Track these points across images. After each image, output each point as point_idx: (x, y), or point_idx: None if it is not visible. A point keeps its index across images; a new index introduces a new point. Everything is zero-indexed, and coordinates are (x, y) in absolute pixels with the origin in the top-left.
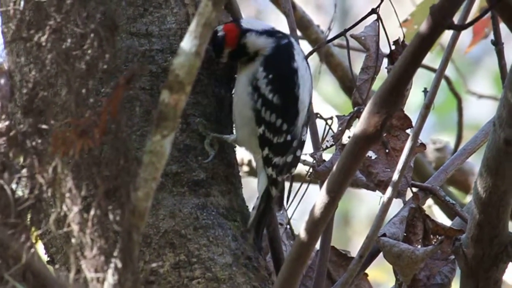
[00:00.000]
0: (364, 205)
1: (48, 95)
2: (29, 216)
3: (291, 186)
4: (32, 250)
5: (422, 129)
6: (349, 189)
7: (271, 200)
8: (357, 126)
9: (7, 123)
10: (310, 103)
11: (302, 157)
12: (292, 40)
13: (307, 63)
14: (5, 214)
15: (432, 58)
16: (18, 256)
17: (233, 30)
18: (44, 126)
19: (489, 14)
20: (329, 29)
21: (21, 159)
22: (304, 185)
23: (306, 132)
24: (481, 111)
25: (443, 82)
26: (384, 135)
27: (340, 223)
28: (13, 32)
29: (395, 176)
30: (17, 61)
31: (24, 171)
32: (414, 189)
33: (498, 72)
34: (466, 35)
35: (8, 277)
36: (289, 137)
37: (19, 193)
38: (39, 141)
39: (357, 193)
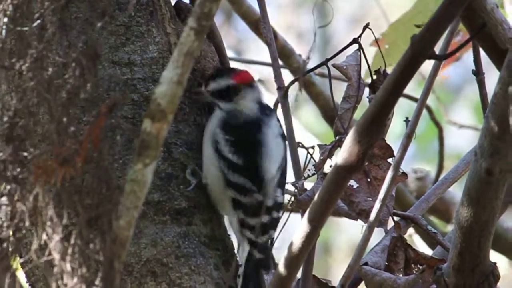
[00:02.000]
0: (344, 233)
1: (29, 124)
2: (9, 244)
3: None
4: (13, 278)
5: (404, 159)
6: (330, 218)
7: (256, 264)
8: (339, 155)
9: None
10: (285, 169)
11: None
12: (273, 119)
13: (283, 139)
14: None
15: (413, 88)
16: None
17: (248, 74)
18: (25, 154)
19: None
20: (308, 58)
21: (1, 187)
22: (286, 214)
23: (283, 194)
24: (462, 140)
25: (424, 111)
26: (366, 164)
27: (321, 252)
28: None
29: (377, 205)
30: (1, 90)
31: (3, 199)
32: (396, 218)
33: (478, 101)
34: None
35: None
36: (259, 198)
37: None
38: (19, 169)
39: (338, 221)
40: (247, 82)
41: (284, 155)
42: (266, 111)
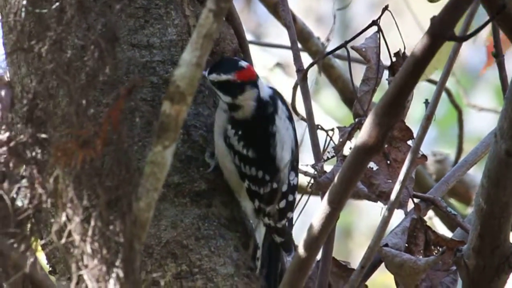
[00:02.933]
0: (365, 217)
1: (48, 106)
2: (28, 226)
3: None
4: (33, 259)
5: (423, 142)
6: (350, 202)
7: (276, 247)
8: (359, 137)
9: (7, 134)
10: (297, 152)
11: (303, 168)
12: (279, 103)
13: (290, 121)
14: (5, 224)
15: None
16: (18, 265)
17: (252, 71)
18: (44, 136)
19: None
20: (328, 40)
21: (22, 169)
22: (305, 197)
23: (297, 176)
24: (481, 123)
25: (444, 95)
26: (385, 146)
27: (341, 236)
28: (13, 43)
29: (397, 187)
30: (18, 72)
31: (24, 181)
32: (416, 200)
33: (499, 84)
34: (467, 48)
35: (7, 286)
36: (275, 185)
37: (19, 203)
38: (39, 151)
39: (359, 206)
40: (249, 80)
41: (294, 137)
42: (270, 101)
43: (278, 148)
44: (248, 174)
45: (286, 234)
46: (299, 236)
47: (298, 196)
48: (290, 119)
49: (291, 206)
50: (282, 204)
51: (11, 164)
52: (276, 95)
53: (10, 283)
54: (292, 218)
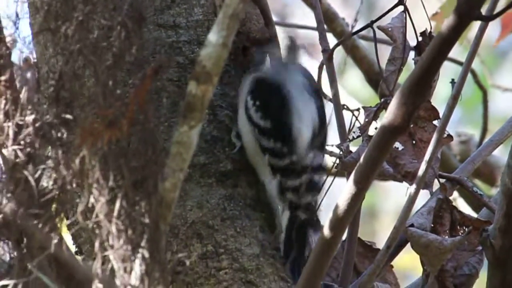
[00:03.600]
0: (390, 198)
1: (75, 86)
2: (53, 207)
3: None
4: (58, 240)
5: (449, 121)
6: (375, 182)
7: (302, 232)
8: (384, 117)
9: (33, 115)
10: (320, 129)
11: (329, 148)
12: (298, 77)
13: (316, 98)
14: (30, 205)
15: (457, 52)
16: (43, 246)
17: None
18: (70, 117)
19: None
20: (356, 20)
21: (47, 151)
22: (331, 177)
23: (323, 155)
24: (506, 104)
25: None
26: (411, 126)
27: (367, 217)
28: (40, 23)
29: (422, 167)
30: (45, 53)
31: (49, 162)
32: (442, 180)
33: None
34: (493, 29)
35: (32, 268)
36: (294, 158)
37: (44, 184)
38: (65, 132)
39: (384, 186)
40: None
41: (320, 113)
42: (290, 70)
43: (295, 118)
44: (268, 147)
45: (311, 212)
46: (324, 217)
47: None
48: (317, 96)
49: (316, 186)
50: (305, 178)
51: (36, 145)
52: (299, 69)
53: (36, 264)
54: (317, 201)
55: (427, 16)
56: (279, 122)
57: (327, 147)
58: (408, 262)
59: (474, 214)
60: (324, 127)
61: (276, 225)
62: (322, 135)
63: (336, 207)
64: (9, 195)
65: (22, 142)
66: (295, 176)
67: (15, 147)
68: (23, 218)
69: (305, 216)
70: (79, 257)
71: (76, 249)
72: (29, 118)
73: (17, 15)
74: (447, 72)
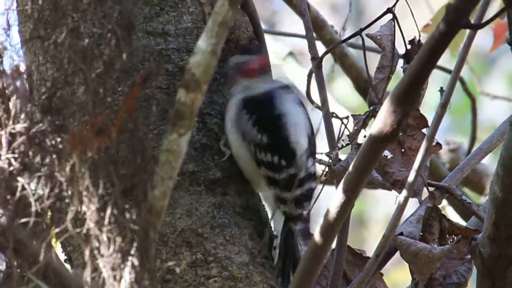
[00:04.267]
0: (380, 207)
1: (65, 94)
2: (49, 215)
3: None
4: (51, 249)
5: (438, 129)
6: (364, 191)
7: (293, 238)
8: (373, 125)
9: (26, 124)
10: (311, 137)
11: (318, 157)
12: (286, 89)
13: (304, 108)
14: (25, 214)
15: (446, 60)
16: (37, 255)
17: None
18: (61, 124)
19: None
20: (344, 29)
21: (39, 158)
22: (320, 185)
23: (314, 163)
24: (495, 112)
25: (458, 84)
26: (400, 134)
27: (356, 225)
28: (30, 31)
29: (411, 176)
30: (36, 60)
31: (43, 169)
32: (431, 189)
33: None
34: (482, 37)
35: (31, 276)
36: (292, 171)
37: (39, 192)
38: (58, 139)
39: (373, 194)
40: (261, 69)
41: (309, 123)
42: (281, 88)
43: (291, 131)
44: (264, 161)
45: (305, 223)
46: (313, 224)
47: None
48: (302, 105)
49: (309, 194)
50: (300, 191)
51: (30, 153)
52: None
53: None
54: (310, 209)
55: (416, 24)
56: (276, 136)
57: (317, 155)
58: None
59: (463, 223)
60: (313, 135)
61: (264, 234)
62: (313, 143)
63: (326, 214)
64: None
65: (16, 151)
66: (292, 188)
67: (9, 155)
68: (18, 228)
69: (299, 227)
70: (68, 266)
71: (66, 257)
72: (22, 126)
73: (7, 22)
74: (436, 80)
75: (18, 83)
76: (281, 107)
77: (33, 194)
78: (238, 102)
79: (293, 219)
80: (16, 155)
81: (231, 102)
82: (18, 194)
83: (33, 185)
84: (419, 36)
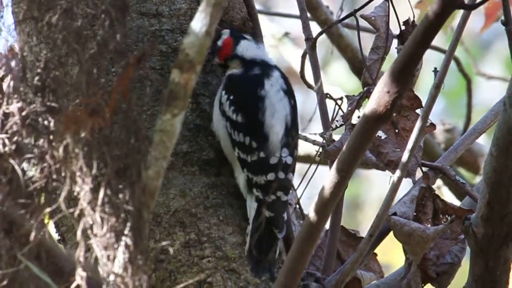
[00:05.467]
0: (374, 189)
1: (59, 75)
2: (42, 196)
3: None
4: (43, 229)
5: (432, 112)
6: (359, 173)
7: (267, 222)
8: (367, 106)
9: (19, 104)
10: (292, 129)
11: (312, 137)
12: (275, 73)
13: (289, 97)
14: (17, 195)
15: (442, 42)
16: (29, 235)
17: (227, 47)
18: (55, 105)
19: None
20: (341, 9)
21: (32, 139)
22: (313, 166)
23: (292, 156)
24: (490, 93)
25: (453, 64)
26: (394, 115)
27: (350, 207)
28: (24, 11)
29: (405, 156)
30: (29, 41)
31: (35, 151)
32: (424, 169)
33: (508, 55)
34: (477, 18)
35: (21, 257)
36: (262, 154)
37: (31, 173)
38: (51, 120)
39: (367, 177)
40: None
41: (292, 113)
42: (265, 68)
43: (267, 114)
44: (237, 141)
45: (276, 210)
46: (307, 206)
47: (306, 166)
48: (289, 95)
49: (284, 185)
50: (271, 176)
51: (23, 134)
52: (274, 67)
53: (24, 253)
54: (286, 200)
55: (410, 5)
56: (251, 117)
57: (310, 136)
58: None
59: (458, 203)
60: (296, 128)
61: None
62: (294, 135)
63: (320, 194)
64: None
65: (9, 131)
66: (262, 172)
67: (2, 136)
68: (11, 208)
69: (269, 214)
70: (62, 246)
71: (59, 237)
72: (15, 107)
73: (1, 3)
74: (431, 60)
75: (12, 64)
76: (262, 91)
77: (24, 175)
78: (224, 80)
79: (266, 205)
80: (9, 136)
81: (222, 80)
82: (10, 174)
83: (25, 166)
84: (413, 17)
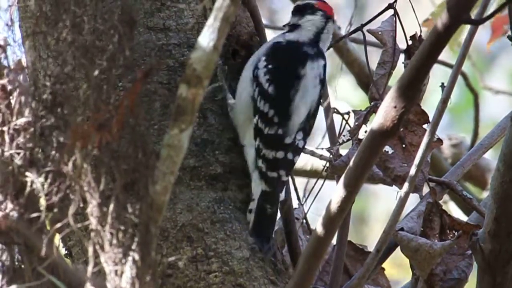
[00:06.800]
0: (381, 204)
1: (68, 89)
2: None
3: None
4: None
5: (439, 127)
6: (366, 188)
7: (269, 199)
8: (374, 121)
9: (26, 119)
10: (312, 116)
11: (319, 152)
12: (320, 61)
13: (322, 84)
14: (33, 210)
15: (448, 56)
16: (40, 250)
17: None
18: (64, 119)
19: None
20: (350, 24)
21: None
22: (320, 181)
23: (305, 141)
24: (497, 109)
25: (460, 79)
26: (401, 130)
27: (357, 222)
28: (33, 26)
29: (412, 171)
30: (37, 56)
31: (48, 165)
32: (431, 184)
33: None
34: (484, 32)
35: (43, 271)
36: (280, 131)
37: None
38: (61, 135)
39: (375, 192)
40: (324, 12)
41: (318, 101)
42: (317, 51)
43: (298, 95)
44: (261, 110)
45: (273, 186)
46: (314, 221)
47: (313, 180)
48: (321, 85)
49: (289, 165)
50: (280, 155)
51: (36, 149)
52: (323, 57)
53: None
54: (286, 181)
55: (417, 20)
56: (283, 92)
57: (317, 151)
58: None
59: (465, 218)
60: (315, 117)
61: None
62: (312, 123)
63: (327, 210)
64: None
65: (21, 146)
66: (274, 148)
67: (13, 151)
68: (25, 224)
69: (266, 188)
70: (68, 260)
71: (66, 252)
72: (25, 121)
73: (11, 19)
74: (438, 75)
75: (21, 78)
76: (302, 71)
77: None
78: (267, 44)
79: (265, 178)
80: (21, 151)
81: (265, 44)
82: (27, 189)
83: (39, 181)
84: (420, 31)
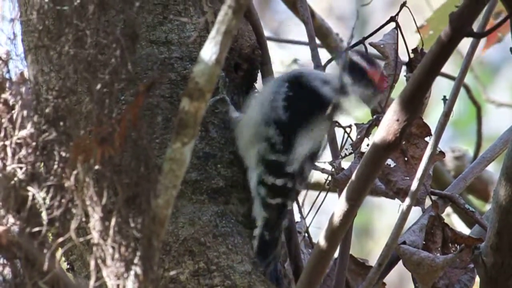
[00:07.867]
0: (383, 217)
1: (70, 103)
2: (57, 224)
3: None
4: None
5: (441, 140)
6: (369, 202)
7: (268, 225)
8: (376, 134)
9: (31, 131)
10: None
11: (321, 165)
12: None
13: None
14: (34, 223)
15: (451, 68)
16: (42, 264)
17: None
18: (66, 133)
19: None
20: (352, 36)
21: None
22: (323, 194)
23: (309, 172)
24: (500, 122)
25: (462, 92)
26: (403, 143)
27: (360, 235)
28: (35, 40)
29: (414, 184)
30: (42, 70)
31: (50, 179)
32: (433, 197)
33: None
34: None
35: (44, 285)
36: (282, 159)
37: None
38: (63, 149)
39: (378, 205)
40: (379, 90)
41: (324, 140)
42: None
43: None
44: (270, 136)
45: (272, 213)
46: (316, 234)
47: (315, 193)
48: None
49: (290, 194)
50: (279, 182)
51: (38, 163)
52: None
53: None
54: (286, 207)
55: (419, 33)
56: (295, 123)
57: (319, 164)
58: None
59: (468, 231)
60: (322, 151)
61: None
62: (318, 156)
63: (329, 223)
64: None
65: (22, 160)
66: (276, 175)
67: (15, 165)
68: (27, 238)
69: (265, 215)
70: (70, 274)
71: (68, 266)
72: (27, 134)
73: (13, 32)
74: (441, 88)
75: (23, 90)
76: (317, 107)
77: (44, 204)
78: (290, 72)
79: (264, 205)
80: (23, 165)
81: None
82: (29, 203)
83: (41, 195)
84: (422, 44)
